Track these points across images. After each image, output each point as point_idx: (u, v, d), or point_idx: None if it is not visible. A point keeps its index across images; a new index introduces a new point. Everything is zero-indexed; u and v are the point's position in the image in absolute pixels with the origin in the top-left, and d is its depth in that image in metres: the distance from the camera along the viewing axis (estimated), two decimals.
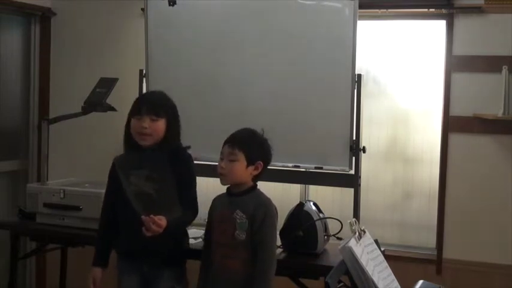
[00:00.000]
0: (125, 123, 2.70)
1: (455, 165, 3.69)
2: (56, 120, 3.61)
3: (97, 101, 3.45)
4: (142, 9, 3.82)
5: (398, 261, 3.54)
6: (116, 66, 4.18)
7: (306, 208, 3.03)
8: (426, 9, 3.69)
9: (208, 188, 3.46)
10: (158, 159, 2.54)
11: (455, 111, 3.67)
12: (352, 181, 3.29)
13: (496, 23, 3.58)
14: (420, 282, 2.10)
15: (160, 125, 2.63)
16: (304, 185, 3.86)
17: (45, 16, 4.49)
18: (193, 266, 2.76)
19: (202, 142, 3.34)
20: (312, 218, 2.99)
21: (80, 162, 4.35)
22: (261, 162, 2.55)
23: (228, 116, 3.41)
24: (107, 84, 3.49)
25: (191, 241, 3.04)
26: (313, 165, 3.36)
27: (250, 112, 3.39)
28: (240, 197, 2.55)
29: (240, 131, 2.59)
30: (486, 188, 3.63)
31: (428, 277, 2.69)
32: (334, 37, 3.27)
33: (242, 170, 2.51)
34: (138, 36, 3.93)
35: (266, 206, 2.52)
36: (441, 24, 3.71)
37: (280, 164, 3.34)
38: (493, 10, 3.56)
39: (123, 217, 2.67)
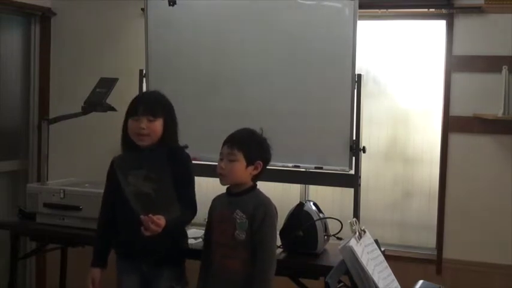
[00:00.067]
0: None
1: (455, 165, 3.69)
2: (56, 120, 3.61)
3: (97, 101, 3.45)
4: (142, 9, 3.82)
5: (398, 261, 3.54)
6: (116, 66, 4.18)
7: (306, 208, 3.04)
8: (426, 9, 3.69)
9: (208, 188, 3.46)
10: (156, 159, 2.54)
11: (455, 111, 3.67)
12: (352, 181, 3.29)
13: (496, 23, 3.58)
14: (420, 282, 2.10)
15: (158, 125, 2.63)
16: (304, 185, 3.86)
17: (45, 16, 4.49)
18: (193, 266, 2.75)
19: (202, 142, 3.34)
20: (312, 218, 2.99)
21: (80, 162, 4.35)
22: (261, 162, 2.55)
23: (227, 116, 3.41)
24: (107, 84, 3.50)
25: (191, 241, 3.04)
26: (313, 165, 3.36)
27: (250, 112, 3.39)
28: (240, 197, 2.55)
29: (239, 131, 2.59)
30: (486, 188, 3.63)
31: (428, 277, 2.69)
32: (334, 37, 3.27)
33: (242, 170, 2.51)
34: (138, 36, 3.93)
35: (266, 206, 2.52)
36: (441, 24, 3.71)
37: (280, 164, 3.34)
38: (493, 10, 3.56)
39: (122, 217, 2.67)
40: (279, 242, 2.91)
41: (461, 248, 3.67)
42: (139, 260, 2.68)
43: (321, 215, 3.06)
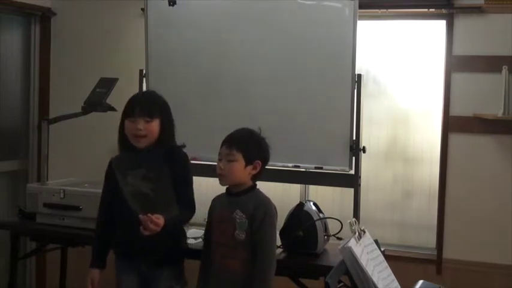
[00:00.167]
0: None
1: (455, 165, 3.69)
2: (56, 120, 3.61)
3: (97, 101, 3.45)
4: (142, 9, 3.82)
5: (398, 261, 3.54)
6: (116, 66, 4.18)
7: (306, 208, 3.03)
8: (426, 9, 3.69)
9: (208, 188, 3.46)
10: (154, 158, 2.55)
11: (455, 111, 3.67)
12: (352, 181, 3.29)
13: (496, 23, 3.57)
14: (420, 282, 2.10)
15: (155, 125, 2.63)
16: (304, 185, 3.86)
17: (45, 16, 4.49)
18: (192, 266, 2.75)
19: (203, 142, 3.34)
20: (312, 218, 2.99)
21: (80, 162, 4.35)
22: (259, 162, 2.55)
23: (228, 116, 3.41)
24: (107, 84, 3.50)
25: (191, 241, 3.05)
26: (313, 165, 3.36)
27: (250, 112, 3.39)
28: (240, 197, 2.55)
29: (237, 131, 2.59)
30: (486, 187, 3.63)
31: (428, 277, 2.69)
32: (334, 37, 3.27)
33: (241, 170, 2.51)
34: (138, 36, 3.93)
35: (266, 206, 2.52)
36: (441, 24, 3.71)
37: (280, 164, 3.34)
38: (493, 10, 3.56)
39: (121, 217, 2.67)
40: (279, 242, 2.91)
41: (461, 248, 3.67)
42: (138, 259, 2.68)
43: (321, 215, 3.06)
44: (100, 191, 2.83)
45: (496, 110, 3.50)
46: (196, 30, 3.56)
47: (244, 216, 2.50)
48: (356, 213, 3.28)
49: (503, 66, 3.50)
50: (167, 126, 2.68)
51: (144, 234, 2.39)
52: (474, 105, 3.62)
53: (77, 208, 3.33)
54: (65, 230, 3.35)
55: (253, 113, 3.37)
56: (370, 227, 2.18)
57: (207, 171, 3.18)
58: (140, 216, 2.38)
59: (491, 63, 3.57)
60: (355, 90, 3.24)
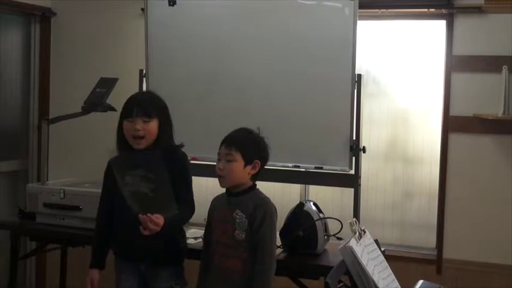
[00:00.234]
0: None
1: (455, 165, 3.69)
2: (56, 120, 3.61)
3: (97, 101, 3.45)
4: (142, 9, 3.83)
5: (398, 261, 3.53)
6: (116, 66, 4.18)
7: (306, 208, 3.04)
8: (426, 9, 3.69)
9: (208, 188, 3.46)
10: (153, 158, 2.55)
11: (455, 111, 3.67)
12: (352, 181, 3.29)
13: (496, 23, 3.57)
14: (420, 282, 2.10)
15: (153, 125, 2.62)
16: (304, 185, 3.86)
17: (45, 16, 4.49)
18: (192, 266, 2.75)
19: (203, 142, 3.34)
20: (312, 218, 2.99)
21: (80, 162, 4.35)
22: (258, 161, 2.55)
23: (228, 116, 3.41)
24: (107, 84, 3.50)
25: (191, 241, 3.05)
26: (313, 165, 3.36)
27: (250, 112, 3.39)
28: (240, 197, 2.55)
29: (235, 131, 2.59)
30: (486, 187, 3.63)
31: (428, 277, 2.69)
32: (334, 37, 3.27)
33: (240, 169, 2.51)
34: (138, 36, 3.94)
35: (265, 206, 2.52)
36: (441, 24, 3.71)
37: (280, 164, 3.34)
38: (493, 10, 3.56)
39: (120, 217, 2.66)
40: (279, 242, 2.91)
41: (461, 248, 3.67)
42: (138, 260, 2.68)
43: (321, 215, 3.06)
44: (100, 191, 2.83)
45: (496, 110, 3.50)
46: (196, 30, 3.56)
47: (244, 216, 2.50)
48: (356, 213, 3.28)
49: (503, 66, 3.50)
50: (165, 126, 2.67)
51: (144, 234, 2.39)
52: (474, 105, 3.62)
53: (77, 208, 3.33)
54: (65, 230, 3.36)
55: (253, 113, 3.37)
56: (370, 227, 2.18)
57: (207, 171, 3.19)
58: (140, 216, 2.38)
59: (491, 63, 3.57)
60: (355, 90, 3.24)
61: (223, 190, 2.63)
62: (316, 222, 2.98)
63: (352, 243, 1.94)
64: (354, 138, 3.26)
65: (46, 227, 3.41)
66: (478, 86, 3.62)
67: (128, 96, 2.74)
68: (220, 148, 2.55)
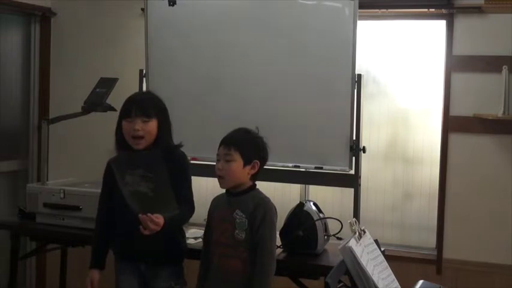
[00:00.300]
0: None
1: (455, 165, 3.69)
2: (56, 120, 3.61)
3: (97, 101, 3.45)
4: (142, 9, 3.82)
5: (398, 261, 3.53)
6: (116, 66, 4.18)
7: (306, 208, 3.04)
8: (426, 9, 3.69)
9: (208, 188, 3.47)
10: (152, 158, 2.55)
11: (455, 111, 3.67)
12: (352, 181, 3.29)
13: (496, 23, 3.57)
14: (420, 282, 2.10)
15: (152, 125, 2.62)
16: (304, 185, 3.86)
17: (45, 16, 4.49)
18: (192, 266, 2.76)
19: (203, 142, 3.34)
20: (312, 218, 2.99)
21: (80, 162, 4.35)
22: (258, 161, 2.55)
23: (228, 116, 3.40)
24: (107, 84, 3.50)
25: (191, 241, 3.05)
26: (313, 165, 3.36)
27: (250, 112, 3.39)
28: (239, 197, 2.55)
29: (234, 131, 2.59)
30: (486, 188, 3.63)
31: (428, 277, 2.69)
32: (334, 37, 3.27)
33: (239, 169, 2.51)
34: (138, 36, 3.93)
35: (265, 205, 2.52)
36: (441, 24, 3.71)
37: (280, 164, 3.34)
38: (493, 10, 3.56)
39: (120, 217, 2.66)
40: (279, 242, 2.91)
41: (461, 248, 3.67)
42: (138, 260, 2.68)
43: (321, 215, 3.06)
44: (100, 191, 2.83)
45: (496, 110, 3.50)
46: (196, 30, 3.56)
47: (244, 216, 2.50)
48: (356, 213, 3.28)
49: (503, 66, 3.50)
50: (164, 126, 2.68)
51: (144, 233, 2.40)
52: (474, 105, 3.62)
53: (77, 208, 3.33)
54: (65, 230, 3.35)
55: (253, 113, 3.36)
56: (370, 227, 2.18)
57: (207, 171, 3.18)
58: (140, 215, 2.39)
59: (491, 63, 3.57)
60: (355, 90, 3.24)
61: (223, 190, 2.63)
62: (316, 222, 2.98)
63: (352, 243, 1.94)
64: (354, 138, 3.26)
65: (46, 227, 3.41)
66: (478, 86, 3.62)
67: (128, 96, 2.74)
68: (219, 148, 2.55)
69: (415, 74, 3.82)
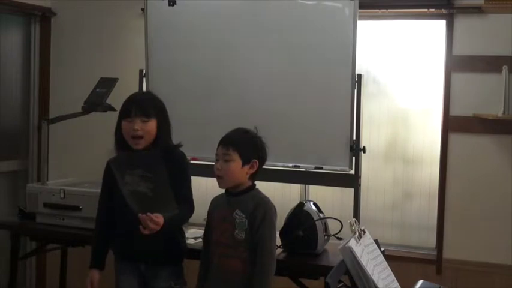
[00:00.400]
0: None
1: (455, 165, 3.69)
2: (56, 120, 3.61)
3: (97, 101, 3.45)
4: (143, 9, 3.82)
5: (398, 261, 3.53)
6: (116, 66, 4.18)
7: (306, 208, 3.04)
8: (426, 9, 3.69)
9: (207, 188, 3.46)
10: (152, 158, 2.55)
11: (455, 111, 3.67)
12: (352, 181, 3.29)
13: (496, 23, 3.57)
14: (420, 282, 2.10)
15: (152, 125, 2.63)
16: (304, 185, 3.86)
17: (45, 16, 4.49)
18: (192, 266, 2.76)
19: (202, 142, 3.34)
20: (312, 218, 2.99)
21: (80, 162, 4.35)
22: (256, 161, 2.55)
23: (227, 116, 3.40)
24: (107, 84, 3.50)
25: (191, 241, 3.05)
26: (313, 165, 3.36)
27: (250, 112, 3.39)
28: (239, 197, 2.55)
29: (233, 131, 2.59)
30: (486, 188, 3.63)
31: (428, 277, 2.69)
32: (334, 37, 3.27)
33: (238, 169, 2.51)
34: (138, 36, 3.93)
35: (265, 205, 2.52)
36: (441, 24, 3.71)
37: (280, 164, 3.35)
38: (493, 10, 3.56)
39: (120, 217, 2.67)
40: (279, 242, 2.91)
41: (461, 248, 3.67)
42: (138, 260, 2.68)
43: (321, 215, 3.06)
44: (100, 190, 2.83)
45: (496, 110, 3.50)
46: (196, 30, 3.56)
47: (243, 216, 2.50)
48: (356, 213, 3.28)
49: (503, 66, 3.50)
50: (164, 126, 2.68)
51: (144, 233, 2.40)
52: (474, 105, 3.62)
53: (76, 208, 3.33)
54: (65, 230, 3.36)
55: (253, 113, 3.36)
56: (370, 227, 2.18)
57: (207, 171, 3.18)
58: (140, 215, 2.39)
59: (491, 63, 3.56)
60: (355, 90, 3.24)
61: (223, 190, 2.63)
62: (316, 222, 2.98)
63: (352, 243, 1.94)
64: (354, 138, 3.26)
65: (46, 227, 3.41)
66: (478, 86, 3.62)
67: (128, 96, 2.74)
68: (217, 148, 2.55)
69: (415, 74, 3.82)
